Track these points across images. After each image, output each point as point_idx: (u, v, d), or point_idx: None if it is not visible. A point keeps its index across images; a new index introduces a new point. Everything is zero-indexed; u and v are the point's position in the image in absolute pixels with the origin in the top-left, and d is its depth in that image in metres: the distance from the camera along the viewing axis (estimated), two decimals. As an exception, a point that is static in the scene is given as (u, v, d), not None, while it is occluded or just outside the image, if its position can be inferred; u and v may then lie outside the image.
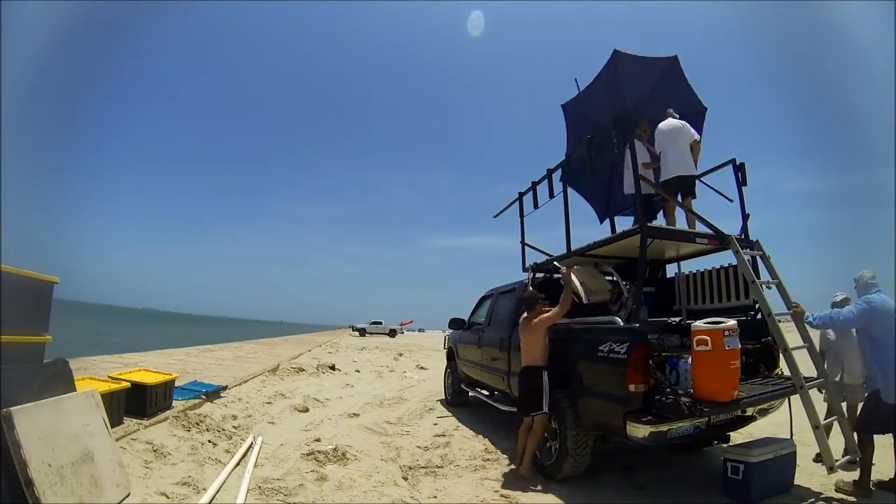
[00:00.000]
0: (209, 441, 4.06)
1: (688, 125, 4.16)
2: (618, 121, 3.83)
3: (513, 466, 3.90)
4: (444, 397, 7.20)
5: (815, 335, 3.80)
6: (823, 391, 3.56)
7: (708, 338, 2.92)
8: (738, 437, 3.93)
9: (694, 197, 4.21)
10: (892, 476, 3.30)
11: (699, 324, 3.07)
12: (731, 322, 3.00)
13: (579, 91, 4.84)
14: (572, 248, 4.44)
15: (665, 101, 4.39)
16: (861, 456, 3.18)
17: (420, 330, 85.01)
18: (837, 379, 3.89)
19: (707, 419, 2.97)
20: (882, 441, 3.30)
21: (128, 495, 2.82)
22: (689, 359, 3.23)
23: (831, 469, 3.01)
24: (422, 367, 12.62)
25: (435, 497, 3.31)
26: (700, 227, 3.86)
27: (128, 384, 4.14)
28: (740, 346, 3.01)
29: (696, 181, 4.30)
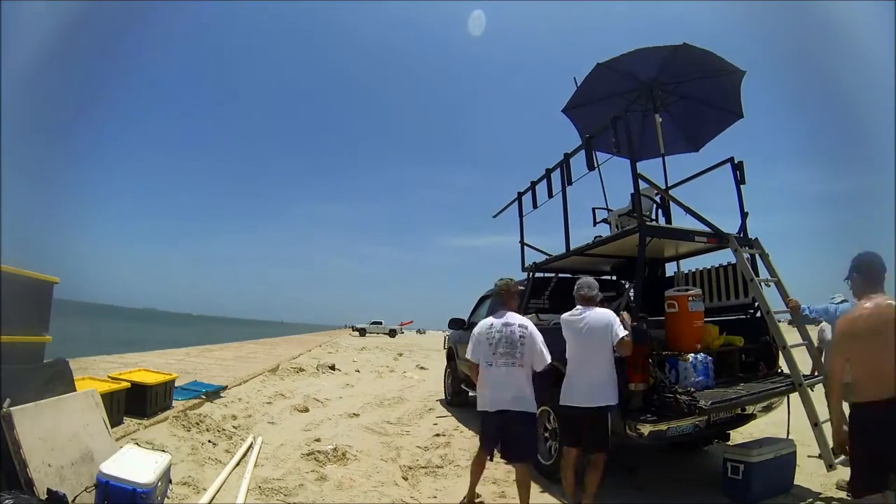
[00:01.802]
0: (209, 441, 4.06)
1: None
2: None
3: (510, 467, 3.89)
4: (444, 397, 7.20)
5: (814, 335, 3.80)
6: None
7: (675, 301, 3.54)
8: (738, 436, 3.93)
9: None
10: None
11: (670, 291, 3.66)
12: (696, 290, 3.62)
13: (577, 88, 4.85)
14: (572, 248, 4.44)
15: (684, 72, 4.47)
16: None
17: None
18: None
19: (707, 418, 2.97)
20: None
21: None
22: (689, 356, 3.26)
23: (830, 467, 3.01)
24: (422, 367, 12.62)
25: (435, 497, 3.31)
26: (699, 226, 3.86)
27: (128, 384, 4.15)
28: (703, 308, 3.57)
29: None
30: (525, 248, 5.38)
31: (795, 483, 3.35)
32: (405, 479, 3.63)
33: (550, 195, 4.61)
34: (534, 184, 4.92)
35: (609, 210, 5.07)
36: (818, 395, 3.29)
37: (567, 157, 4.31)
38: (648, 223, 3.89)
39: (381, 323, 40.53)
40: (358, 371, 11.27)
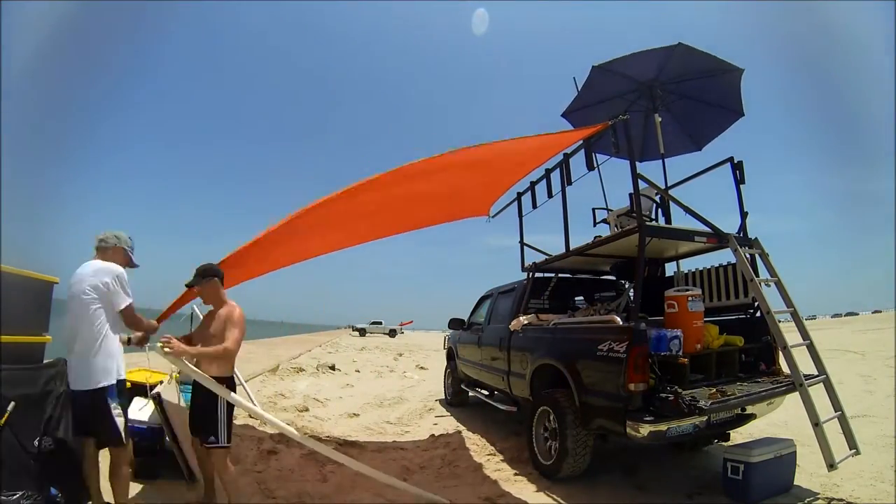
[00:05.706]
0: (209, 441, 4.05)
1: None
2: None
3: (508, 468, 3.89)
4: (444, 397, 7.20)
5: (815, 336, 3.79)
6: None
7: (675, 302, 3.54)
8: (738, 436, 3.93)
9: None
10: None
11: (670, 291, 3.64)
12: (695, 290, 3.60)
13: (578, 91, 4.85)
14: (571, 248, 4.44)
15: (683, 71, 4.50)
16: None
17: None
18: None
19: (707, 418, 2.97)
20: (884, 441, 3.30)
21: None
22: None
23: (832, 467, 3.01)
24: (422, 367, 12.61)
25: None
26: (699, 226, 3.86)
27: (128, 384, 4.13)
28: (703, 308, 3.55)
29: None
30: (525, 248, 5.38)
31: (795, 483, 3.35)
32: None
33: (550, 195, 4.61)
34: (533, 184, 4.92)
35: (609, 210, 5.07)
36: (819, 394, 3.29)
37: (567, 157, 4.31)
38: (648, 223, 3.89)
39: (380, 323, 40.52)
40: (358, 371, 11.27)
